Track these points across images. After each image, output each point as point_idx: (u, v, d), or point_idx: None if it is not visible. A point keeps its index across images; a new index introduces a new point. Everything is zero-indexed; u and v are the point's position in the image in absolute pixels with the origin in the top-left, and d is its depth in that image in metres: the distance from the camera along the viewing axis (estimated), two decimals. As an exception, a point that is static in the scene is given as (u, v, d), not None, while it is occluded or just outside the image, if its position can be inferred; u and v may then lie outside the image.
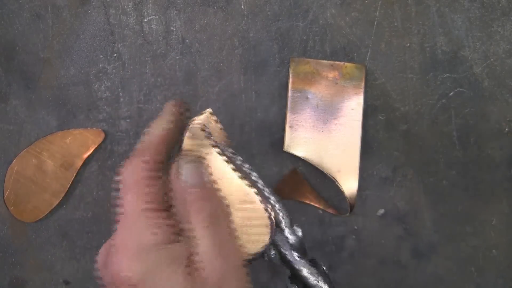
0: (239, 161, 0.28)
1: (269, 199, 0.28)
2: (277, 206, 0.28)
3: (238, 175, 0.27)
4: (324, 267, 0.29)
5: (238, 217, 0.27)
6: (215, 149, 0.27)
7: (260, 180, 0.28)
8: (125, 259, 0.25)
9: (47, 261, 0.46)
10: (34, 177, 0.44)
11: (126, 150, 0.45)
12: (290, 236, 0.29)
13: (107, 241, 0.27)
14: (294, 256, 0.28)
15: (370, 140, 0.44)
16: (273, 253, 0.28)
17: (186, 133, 0.28)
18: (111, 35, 0.44)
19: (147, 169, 0.26)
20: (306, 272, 0.28)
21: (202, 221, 0.25)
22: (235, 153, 0.29)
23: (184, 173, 0.26)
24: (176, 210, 0.26)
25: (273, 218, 0.27)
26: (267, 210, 0.27)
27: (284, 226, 0.29)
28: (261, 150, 0.44)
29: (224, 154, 0.28)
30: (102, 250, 0.27)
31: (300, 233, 0.29)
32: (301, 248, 0.29)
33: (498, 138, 0.44)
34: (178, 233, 0.26)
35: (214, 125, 0.29)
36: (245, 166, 0.28)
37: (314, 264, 0.29)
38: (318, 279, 0.28)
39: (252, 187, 0.27)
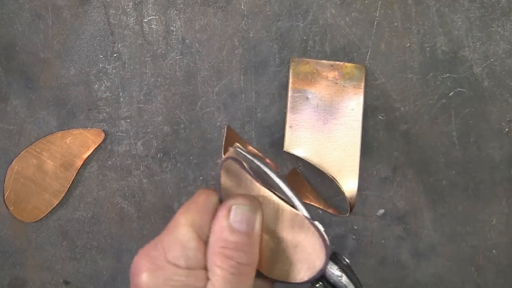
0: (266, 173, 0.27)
1: (287, 195, 0.27)
2: (295, 199, 0.27)
3: (283, 201, 0.26)
4: (347, 260, 0.28)
5: (290, 241, 0.26)
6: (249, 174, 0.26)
7: (277, 177, 0.27)
8: (145, 267, 0.25)
9: (47, 261, 0.46)
10: (34, 177, 0.44)
11: (126, 150, 0.45)
12: None
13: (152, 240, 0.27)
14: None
15: (370, 140, 0.44)
16: None
17: (221, 170, 0.27)
18: (111, 35, 0.44)
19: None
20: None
21: (227, 267, 0.25)
22: (263, 169, 0.27)
23: (233, 216, 0.25)
24: (210, 243, 0.26)
25: (326, 237, 0.26)
26: (318, 230, 0.26)
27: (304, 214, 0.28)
28: (261, 150, 0.44)
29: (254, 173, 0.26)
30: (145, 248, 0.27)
31: (321, 228, 0.28)
32: None
33: (498, 138, 0.44)
34: (204, 264, 0.25)
35: (247, 150, 0.28)
36: (269, 174, 0.27)
37: (335, 257, 0.28)
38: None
39: (298, 209, 0.26)
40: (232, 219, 0.25)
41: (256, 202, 0.26)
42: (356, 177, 0.41)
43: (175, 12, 0.43)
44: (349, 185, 0.41)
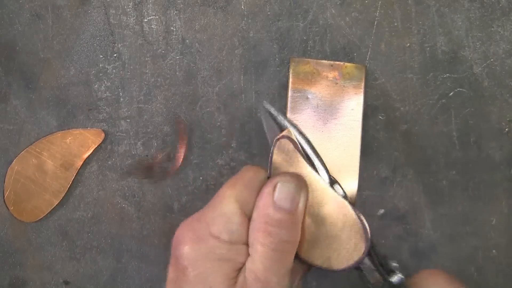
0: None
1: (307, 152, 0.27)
2: (314, 158, 0.28)
3: (329, 187, 0.26)
4: (395, 264, 0.28)
5: (332, 227, 0.26)
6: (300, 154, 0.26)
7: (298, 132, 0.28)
8: (188, 238, 0.25)
9: (47, 261, 0.46)
10: (34, 177, 0.44)
11: (126, 150, 0.45)
12: None
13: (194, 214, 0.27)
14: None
15: (370, 140, 0.44)
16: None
17: (274, 147, 0.27)
18: (111, 35, 0.44)
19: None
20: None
21: (269, 244, 0.24)
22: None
23: (278, 193, 0.25)
24: (253, 219, 0.25)
25: (368, 228, 0.26)
26: (361, 220, 0.26)
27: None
28: (261, 150, 0.44)
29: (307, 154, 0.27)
30: (187, 221, 0.27)
31: (341, 191, 0.28)
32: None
33: (498, 138, 0.44)
34: (246, 240, 0.25)
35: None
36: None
37: (384, 261, 0.28)
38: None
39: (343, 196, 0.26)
40: (277, 196, 0.25)
41: (303, 181, 0.26)
42: (356, 177, 0.41)
43: (175, 12, 0.43)
44: (349, 185, 0.41)
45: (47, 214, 0.45)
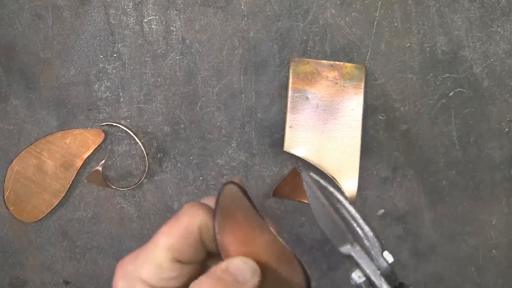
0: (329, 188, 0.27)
1: (358, 222, 0.27)
2: (367, 229, 0.27)
3: (276, 233, 0.26)
4: None
5: (278, 272, 0.26)
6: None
7: (347, 199, 0.27)
8: (120, 280, 0.26)
9: (47, 261, 0.46)
10: (34, 177, 0.44)
11: (126, 150, 0.45)
12: (380, 263, 0.28)
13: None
14: (382, 285, 0.27)
15: (370, 140, 0.44)
16: (361, 279, 0.27)
17: (222, 191, 0.27)
18: (111, 35, 0.44)
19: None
20: None
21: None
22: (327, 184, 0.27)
23: (233, 264, 0.26)
24: (200, 278, 0.26)
25: (310, 280, 0.26)
26: (300, 263, 0.26)
27: (374, 252, 0.28)
28: (261, 150, 0.44)
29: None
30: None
31: (391, 259, 0.28)
32: (391, 274, 0.28)
33: (498, 138, 0.44)
34: (180, 284, 0.26)
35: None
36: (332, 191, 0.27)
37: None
38: None
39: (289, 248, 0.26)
40: (230, 264, 0.25)
41: (259, 269, 0.26)
42: (356, 177, 0.41)
43: (175, 12, 0.43)
44: (349, 185, 0.41)
45: (47, 214, 0.45)
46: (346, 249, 0.27)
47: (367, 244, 0.28)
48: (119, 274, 0.26)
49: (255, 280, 0.26)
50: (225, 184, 0.26)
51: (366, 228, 0.28)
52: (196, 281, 0.25)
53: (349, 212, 0.28)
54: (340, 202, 0.27)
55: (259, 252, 0.26)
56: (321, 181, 0.27)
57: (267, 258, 0.26)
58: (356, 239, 0.28)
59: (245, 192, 0.26)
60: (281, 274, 0.27)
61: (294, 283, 0.26)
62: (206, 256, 0.28)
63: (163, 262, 0.25)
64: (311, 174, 0.27)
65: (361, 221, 0.28)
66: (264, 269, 0.27)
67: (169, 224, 0.26)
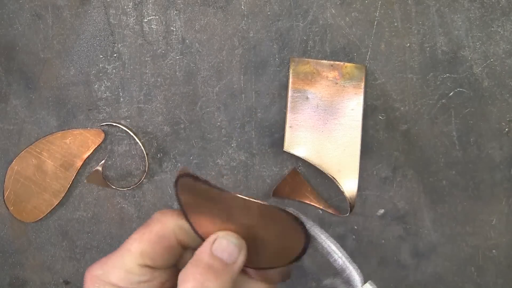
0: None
1: (339, 255, 0.27)
2: (347, 263, 0.27)
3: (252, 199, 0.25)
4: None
5: (266, 232, 0.26)
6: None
7: (323, 232, 0.27)
8: (89, 284, 0.26)
9: (47, 261, 0.46)
10: (34, 177, 0.44)
11: (126, 150, 0.45)
12: None
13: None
14: None
15: (370, 140, 0.44)
16: None
17: (177, 190, 0.26)
18: (111, 35, 0.44)
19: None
20: None
21: (191, 284, 0.24)
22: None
23: (217, 244, 0.25)
24: (186, 265, 0.26)
25: (300, 218, 0.25)
26: (288, 213, 0.26)
27: (357, 285, 0.27)
28: (261, 150, 0.44)
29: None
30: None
31: None
32: None
33: (498, 138, 0.44)
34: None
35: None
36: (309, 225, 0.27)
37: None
38: None
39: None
40: (215, 247, 0.25)
41: (243, 241, 0.26)
42: (356, 177, 0.41)
43: (175, 12, 0.43)
44: (349, 185, 0.41)
45: (47, 214, 0.45)
46: (329, 282, 0.28)
47: (349, 276, 0.28)
48: (88, 280, 0.26)
49: (242, 255, 0.26)
50: (176, 181, 0.26)
51: (347, 261, 0.28)
52: (184, 271, 0.25)
53: (329, 245, 0.27)
54: (319, 235, 0.27)
55: (243, 224, 0.26)
56: (301, 216, 0.26)
57: (254, 225, 0.26)
58: (338, 271, 0.28)
59: (196, 178, 0.25)
60: (276, 237, 0.26)
61: (294, 240, 0.26)
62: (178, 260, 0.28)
63: (133, 267, 0.26)
64: (291, 209, 0.27)
65: (340, 253, 0.27)
66: (255, 239, 0.26)
67: (140, 230, 0.26)
